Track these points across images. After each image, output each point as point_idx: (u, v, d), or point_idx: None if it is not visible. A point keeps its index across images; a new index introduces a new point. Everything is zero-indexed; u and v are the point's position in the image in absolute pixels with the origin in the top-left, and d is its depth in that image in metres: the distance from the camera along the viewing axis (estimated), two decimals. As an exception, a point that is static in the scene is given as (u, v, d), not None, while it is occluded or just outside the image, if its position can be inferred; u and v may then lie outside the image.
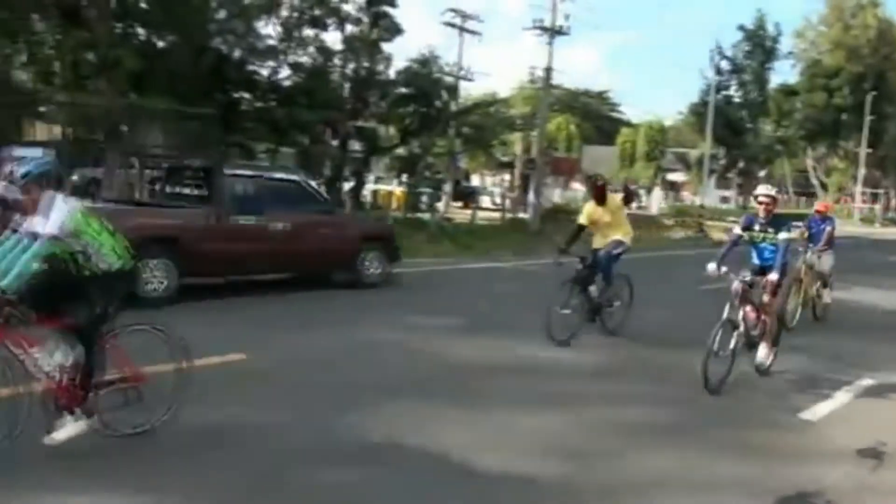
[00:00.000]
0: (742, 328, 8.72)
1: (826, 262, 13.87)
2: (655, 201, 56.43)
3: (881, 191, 75.31)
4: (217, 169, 13.37)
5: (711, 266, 8.79)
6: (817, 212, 14.58)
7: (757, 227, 9.22)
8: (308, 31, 26.65)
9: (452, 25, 34.83)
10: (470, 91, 47.18)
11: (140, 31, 23.15)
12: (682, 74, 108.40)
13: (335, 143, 28.30)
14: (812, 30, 71.57)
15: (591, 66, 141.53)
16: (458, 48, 34.63)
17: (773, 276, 8.73)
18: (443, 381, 8.45)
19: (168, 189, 14.44)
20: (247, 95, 25.85)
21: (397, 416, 7.17)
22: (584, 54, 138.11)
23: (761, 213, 9.10)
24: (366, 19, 28.15)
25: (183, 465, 5.72)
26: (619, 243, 11.12)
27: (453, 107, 32.26)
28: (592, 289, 10.90)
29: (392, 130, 31.50)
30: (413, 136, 30.76)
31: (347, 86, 28.00)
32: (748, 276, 8.87)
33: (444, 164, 36.51)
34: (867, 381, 9.62)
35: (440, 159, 36.02)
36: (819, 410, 8.31)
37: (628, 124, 74.86)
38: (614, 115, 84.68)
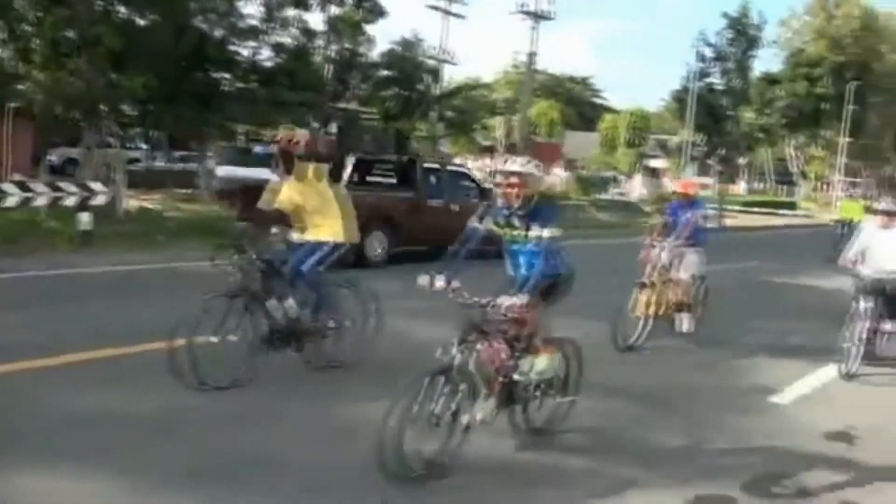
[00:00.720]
0: (473, 378, 5.56)
1: (688, 264, 10.51)
2: (636, 188, 56.49)
3: (860, 180, 75.83)
4: (418, 162, 17.48)
5: (424, 277, 5.68)
6: (678, 193, 11.15)
7: (502, 221, 6.15)
8: (290, 12, 26.44)
9: (436, 8, 34.77)
10: (454, 75, 47.03)
11: (121, 8, 22.93)
12: (667, 62, 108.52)
13: (316, 125, 28.14)
14: (796, 19, 71.94)
15: (577, 52, 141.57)
16: (441, 31, 34.60)
17: (513, 300, 5.53)
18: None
19: (364, 177, 17.58)
20: (227, 76, 25.64)
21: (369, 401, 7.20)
22: (570, 40, 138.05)
23: (511, 200, 6.01)
24: (349, 0, 28.00)
25: (175, 447, 5.74)
26: (318, 247, 7.79)
27: (436, 90, 32.16)
28: (276, 304, 7.49)
29: (374, 113, 31.37)
30: (395, 120, 30.62)
31: (329, 67, 27.85)
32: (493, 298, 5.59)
33: (427, 148, 36.41)
34: (835, 367, 9.72)
35: (422, 143, 35.89)
36: (790, 394, 8.39)
37: (611, 110, 74.94)
38: (597, 101, 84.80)
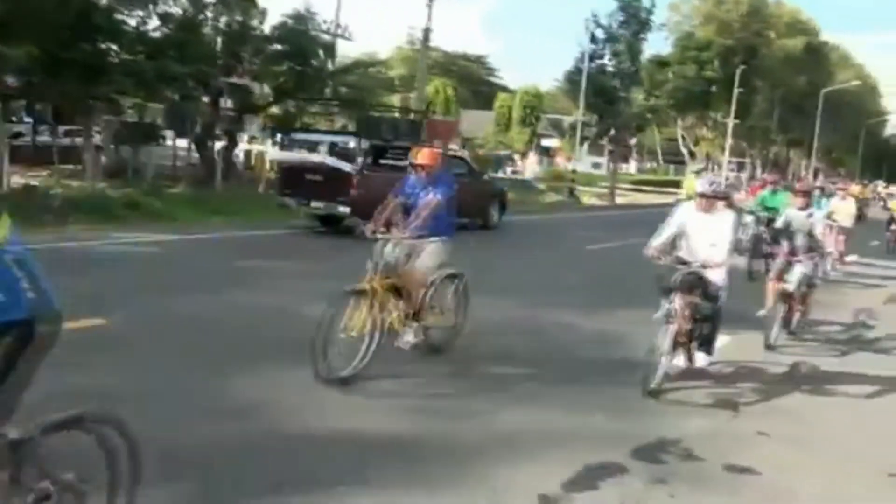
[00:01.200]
0: None
1: (427, 258, 8.06)
2: (530, 166, 57.09)
3: (746, 160, 78.45)
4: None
5: None
6: (418, 166, 8.15)
7: None
8: (178, -20, 25.60)
9: (330, -18, 34.20)
10: (349, 51, 46.41)
11: (3, -27, 21.89)
12: (561, 42, 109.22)
13: (206, 99, 27.44)
14: (686, 3, 73.62)
15: (472, 30, 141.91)
16: (335, 5, 34.09)
17: None
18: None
19: (377, 160, 19.82)
20: (114, 47, 24.73)
21: (261, 378, 7.13)
22: (464, 17, 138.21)
23: None
24: (240, -29, 27.23)
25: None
26: None
27: (330, 66, 31.67)
28: None
29: (266, 88, 30.67)
30: (288, 95, 30.06)
31: (220, 40, 27.09)
32: None
33: (321, 125, 35.92)
34: (724, 338, 9.98)
35: (317, 120, 35.38)
36: (678, 364, 8.57)
37: (506, 89, 75.41)
38: (492, 79, 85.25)
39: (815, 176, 57.90)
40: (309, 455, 5.43)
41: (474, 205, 20.10)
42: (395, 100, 43.91)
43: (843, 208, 18.26)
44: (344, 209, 17.67)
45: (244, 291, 10.65)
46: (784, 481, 5.83)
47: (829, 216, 15.98)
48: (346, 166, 18.47)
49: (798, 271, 10.39)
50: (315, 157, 19.25)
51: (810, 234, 10.77)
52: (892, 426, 7.43)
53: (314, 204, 18.42)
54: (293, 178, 19.17)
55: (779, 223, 11.31)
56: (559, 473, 5.44)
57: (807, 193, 11.40)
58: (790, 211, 11.20)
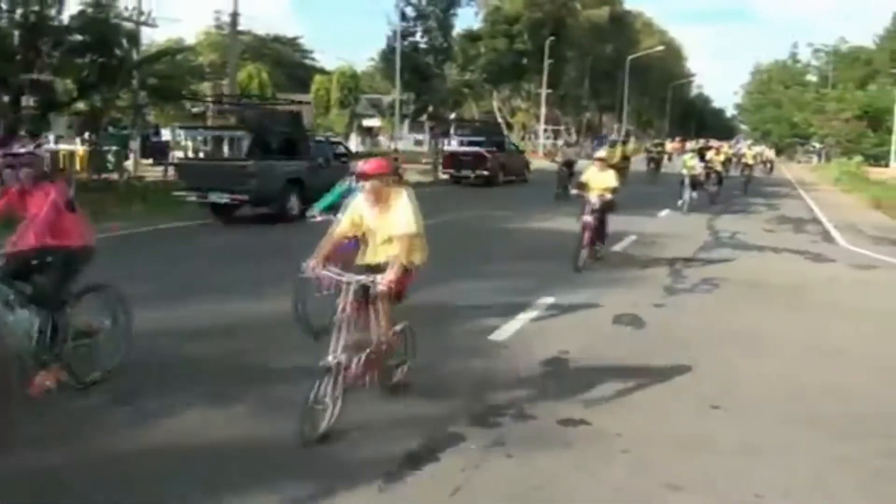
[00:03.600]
0: None
1: None
2: (353, 148, 56.75)
3: (562, 127, 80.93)
4: (507, 139, 42.05)
5: None
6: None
7: None
8: (-34, -29, 24.02)
9: (130, -35, 32.71)
10: (154, 38, 44.66)
11: None
12: (374, 20, 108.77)
13: (6, 98, 25.88)
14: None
15: (283, 11, 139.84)
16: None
17: None
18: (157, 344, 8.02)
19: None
20: None
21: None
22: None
23: None
24: (32, -40, 25.73)
25: None
26: None
27: (136, 55, 30.41)
28: None
29: (69, 83, 29.09)
30: (93, 89, 28.59)
31: (17, 33, 25.52)
32: None
33: (131, 119, 34.47)
34: (548, 300, 10.30)
35: (125, 113, 33.86)
36: (507, 331, 8.76)
37: (322, 71, 74.71)
38: (307, 62, 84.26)
39: (627, 138, 59.91)
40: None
41: (515, 167, 36.18)
42: (207, 87, 42.66)
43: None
44: (482, 172, 32.57)
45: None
46: (613, 426, 6.06)
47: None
48: (483, 151, 33.01)
49: None
50: (467, 148, 34.68)
51: None
52: (714, 364, 7.83)
53: (464, 172, 33.26)
54: (454, 160, 34.51)
55: None
56: (402, 451, 5.44)
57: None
58: None
